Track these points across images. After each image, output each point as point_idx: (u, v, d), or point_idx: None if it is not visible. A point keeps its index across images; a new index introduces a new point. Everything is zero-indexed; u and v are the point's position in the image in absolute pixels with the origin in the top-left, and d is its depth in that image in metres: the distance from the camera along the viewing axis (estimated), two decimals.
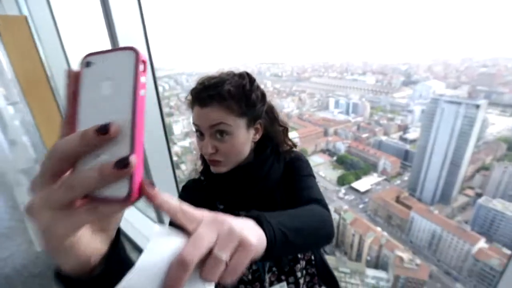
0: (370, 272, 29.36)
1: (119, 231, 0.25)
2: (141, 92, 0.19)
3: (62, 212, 0.18)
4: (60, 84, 2.31)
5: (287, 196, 0.58)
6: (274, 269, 0.58)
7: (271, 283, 0.58)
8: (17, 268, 2.07)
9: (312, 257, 0.64)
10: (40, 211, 0.18)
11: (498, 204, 32.19)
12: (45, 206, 0.18)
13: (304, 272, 0.63)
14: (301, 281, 0.61)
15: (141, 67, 0.19)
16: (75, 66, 0.21)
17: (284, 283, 0.59)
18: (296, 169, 0.60)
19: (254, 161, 0.57)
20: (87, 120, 0.19)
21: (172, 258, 0.20)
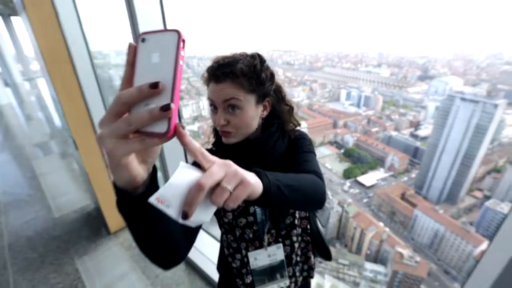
0: (369, 265, 29.69)
1: (155, 168, 0.33)
2: (180, 62, 0.25)
3: (121, 140, 0.25)
4: (79, 62, 2.39)
5: (289, 169, 0.62)
6: (272, 231, 0.66)
7: (269, 243, 0.66)
8: (38, 231, 2.24)
9: (308, 226, 0.71)
10: (106, 139, 0.25)
11: (506, 208, 31.55)
12: (110, 136, 0.25)
13: (299, 238, 0.70)
14: (296, 245, 0.69)
15: (181, 44, 0.26)
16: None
17: (281, 245, 0.66)
18: (298, 145, 0.65)
19: (261, 135, 0.62)
20: (141, 80, 0.26)
21: (192, 183, 0.27)
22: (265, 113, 0.62)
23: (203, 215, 0.29)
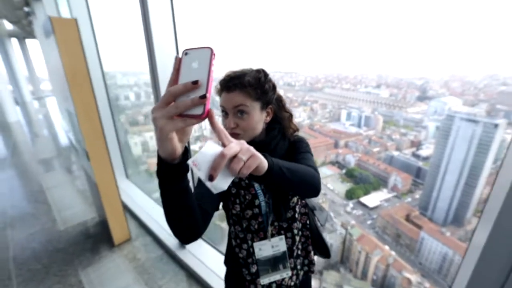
0: None
1: (187, 148, 0.43)
2: (212, 67, 0.36)
3: (169, 120, 0.35)
4: (96, 81, 2.56)
5: None
6: (275, 223, 0.73)
7: (273, 235, 0.73)
8: (43, 243, 2.27)
9: (308, 222, 0.78)
10: (159, 120, 0.35)
11: None
12: (162, 117, 0.35)
13: (300, 232, 0.77)
14: (297, 238, 0.76)
15: (213, 56, 0.36)
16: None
17: (283, 236, 0.73)
18: (297, 147, 0.73)
19: (265, 137, 0.72)
20: (185, 80, 0.36)
21: (217, 153, 0.37)
22: (268, 118, 0.72)
23: (223, 182, 0.38)
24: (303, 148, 0.74)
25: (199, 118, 0.35)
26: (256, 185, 0.71)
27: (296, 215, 0.74)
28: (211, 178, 0.36)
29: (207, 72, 0.35)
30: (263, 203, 0.70)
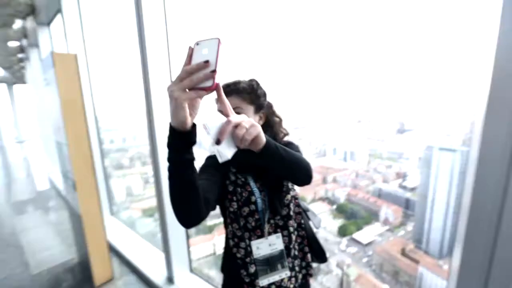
0: None
1: (195, 124, 0.48)
2: (220, 51, 0.43)
3: (184, 91, 0.42)
4: (89, 118, 2.61)
5: None
6: (272, 221, 0.75)
7: (269, 233, 0.74)
8: None
9: (302, 221, 0.80)
10: (175, 92, 0.41)
11: None
12: (178, 89, 0.41)
13: (296, 232, 0.79)
14: (293, 237, 0.77)
15: (220, 44, 0.43)
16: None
17: (280, 234, 0.74)
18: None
19: None
20: (197, 61, 0.43)
21: (223, 121, 0.44)
22: (261, 122, 0.79)
23: (227, 151, 0.43)
24: (294, 149, 0.79)
25: (209, 90, 0.42)
26: (252, 183, 0.74)
27: (291, 213, 0.76)
28: (218, 141, 0.42)
29: (215, 55, 0.43)
30: (259, 200, 0.73)
